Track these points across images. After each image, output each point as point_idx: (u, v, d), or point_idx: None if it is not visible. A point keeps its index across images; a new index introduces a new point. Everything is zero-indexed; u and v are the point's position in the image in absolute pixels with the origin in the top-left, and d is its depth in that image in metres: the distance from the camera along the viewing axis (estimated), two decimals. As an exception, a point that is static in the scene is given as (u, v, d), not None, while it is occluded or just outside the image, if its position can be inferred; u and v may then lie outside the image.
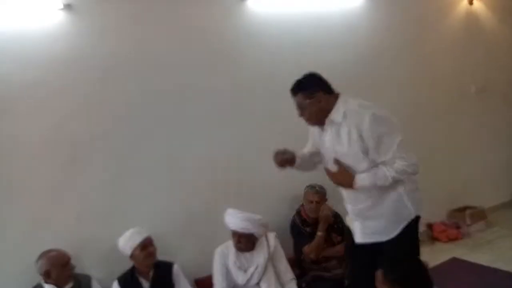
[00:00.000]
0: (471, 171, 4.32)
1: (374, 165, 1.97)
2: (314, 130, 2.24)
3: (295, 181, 3.15)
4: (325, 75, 2.13)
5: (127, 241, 2.51)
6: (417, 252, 2.13)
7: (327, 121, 2.06)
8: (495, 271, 3.14)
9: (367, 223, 2.10)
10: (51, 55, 2.58)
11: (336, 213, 3.06)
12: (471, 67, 4.36)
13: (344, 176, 2.05)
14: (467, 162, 4.30)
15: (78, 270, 2.51)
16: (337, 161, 2.06)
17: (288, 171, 3.30)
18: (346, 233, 2.34)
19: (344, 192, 2.19)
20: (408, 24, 3.92)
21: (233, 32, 3.14)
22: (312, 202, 2.96)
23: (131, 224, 2.59)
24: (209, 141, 3.03)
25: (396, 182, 1.97)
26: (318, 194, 2.96)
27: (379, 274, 1.78)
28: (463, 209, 4.09)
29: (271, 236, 2.74)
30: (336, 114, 2.02)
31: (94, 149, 2.70)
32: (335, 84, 2.12)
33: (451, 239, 3.86)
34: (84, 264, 2.61)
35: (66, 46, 2.62)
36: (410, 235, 2.07)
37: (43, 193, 2.57)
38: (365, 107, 1.99)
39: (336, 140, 2.04)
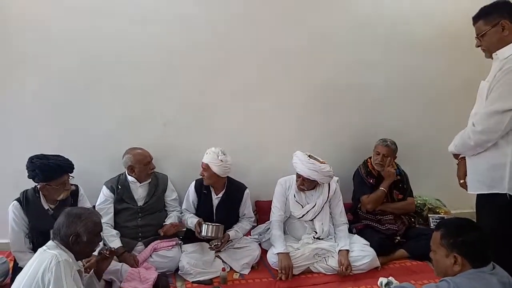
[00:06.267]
0: None
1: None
2: None
3: (369, 133, 3.17)
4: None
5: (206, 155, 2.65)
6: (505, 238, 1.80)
7: (494, 55, 1.81)
8: None
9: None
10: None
11: (403, 172, 3.04)
12: None
13: None
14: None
15: (157, 169, 2.80)
16: None
17: (363, 123, 3.24)
18: None
19: None
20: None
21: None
22: (378, 154, 2.92)
23: (210, 143, 2.76)
24: (290, 82, 3.07)
25: (506, 145, 1.74)
26: (387, 147, 2.90)
27: (437, 234, 1.61)
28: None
29: (333, 181, 2.77)
30: (503, 51, 1.75)
31: (187, 63, 2.87)
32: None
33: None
34: (162, 165, 2.90)
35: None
36: (496, 213, 1.80)
37: (138, 94, 2.83)
38: None
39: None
